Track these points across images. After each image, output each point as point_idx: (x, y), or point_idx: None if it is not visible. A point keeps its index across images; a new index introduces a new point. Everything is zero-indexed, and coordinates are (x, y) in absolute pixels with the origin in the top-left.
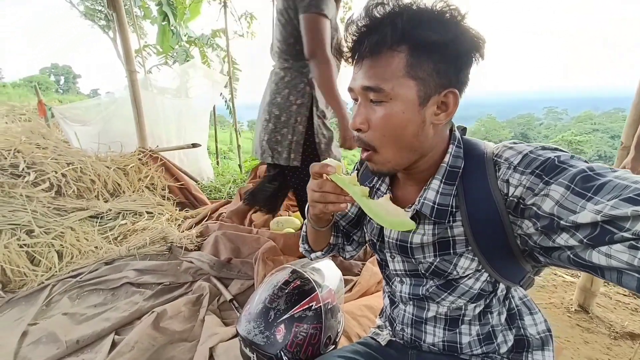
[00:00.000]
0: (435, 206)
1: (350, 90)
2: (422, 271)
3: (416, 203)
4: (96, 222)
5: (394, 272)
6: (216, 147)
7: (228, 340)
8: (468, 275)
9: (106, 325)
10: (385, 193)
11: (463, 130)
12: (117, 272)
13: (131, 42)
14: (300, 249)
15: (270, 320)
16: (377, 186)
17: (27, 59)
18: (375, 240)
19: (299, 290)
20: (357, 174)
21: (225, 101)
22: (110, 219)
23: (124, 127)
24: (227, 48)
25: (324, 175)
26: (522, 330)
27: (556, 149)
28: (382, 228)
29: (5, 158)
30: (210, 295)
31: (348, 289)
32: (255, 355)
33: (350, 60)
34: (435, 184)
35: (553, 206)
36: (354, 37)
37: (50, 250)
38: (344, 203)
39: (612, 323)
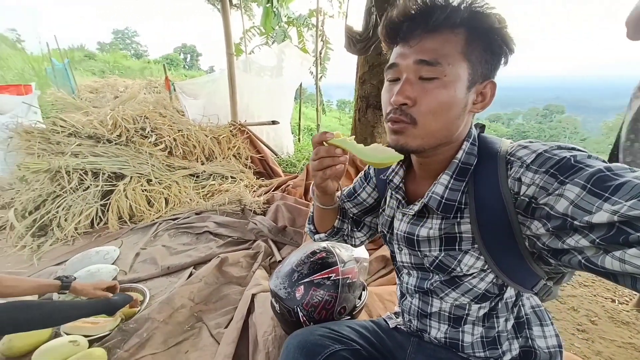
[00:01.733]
0: (443, 201)
1: (394, 66)
2: (427, 265)
3: (425, 197)
4: (193, 180)
5: (402, 264)
6: (299, 124)
7: (268, 291)
8: (473, 273)
9: (188, 260)
10: (399, 185)
11: (482, 128)
12: (202, 221)
13: (231, 28)
14: (305, 229)
15: (293, 280)
16: (390, 178)
17: (165, 39)
18: (385, 232)
19: (323, 261)
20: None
21: (315, 80)
22: (204, 178)
23: (223, 101)
24: (316, 28)
25: (323, 143)
26: (529, 341)
27: (573, 149)
28: (392, 220)
29: (138, 122)
30: (265, 254)
31: (386, 271)
32: (278, 306)
33: (397, 39)
34: (444, 179)
35: (567, 206)
36: (412, 13)
37: (160, 197)
38: (339, 165)
39: None
